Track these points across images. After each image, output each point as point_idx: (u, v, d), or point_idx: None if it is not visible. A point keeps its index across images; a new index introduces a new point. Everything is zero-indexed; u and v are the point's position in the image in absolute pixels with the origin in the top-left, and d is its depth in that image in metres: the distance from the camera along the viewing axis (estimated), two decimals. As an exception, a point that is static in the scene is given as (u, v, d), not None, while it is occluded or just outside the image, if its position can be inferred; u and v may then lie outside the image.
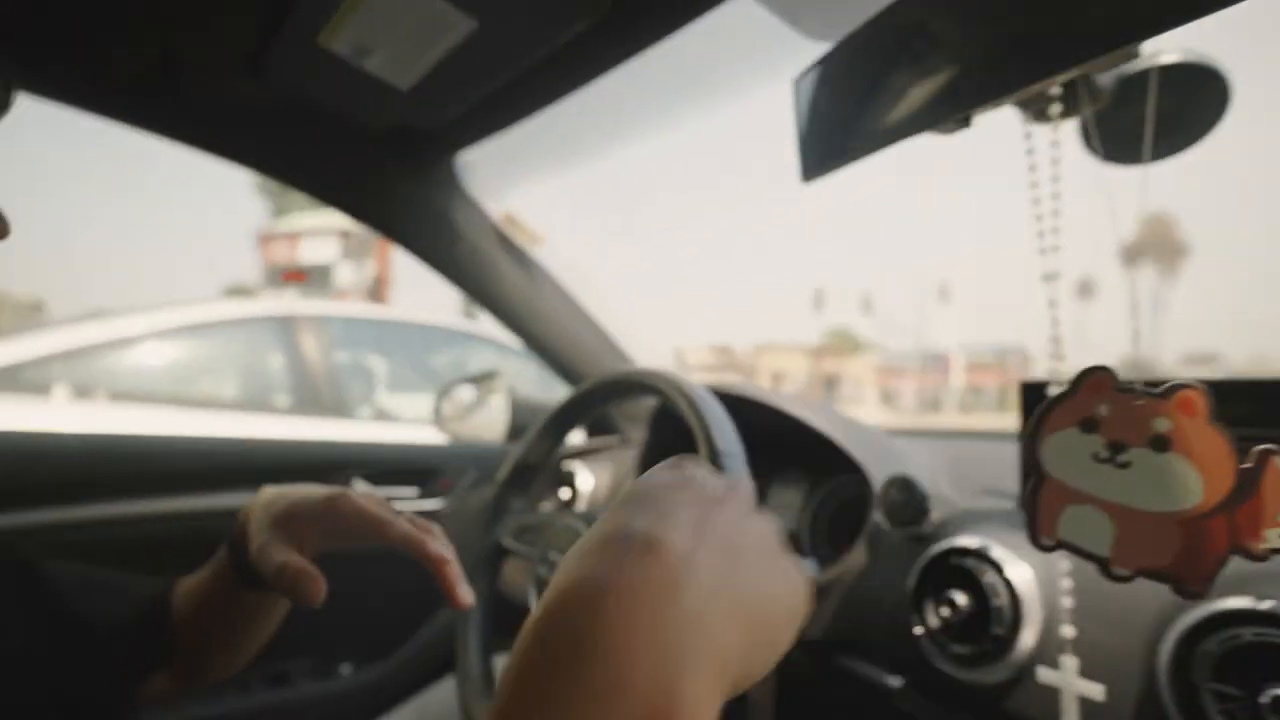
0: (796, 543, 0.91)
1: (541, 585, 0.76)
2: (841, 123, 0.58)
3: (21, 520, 0.87)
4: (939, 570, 0.67)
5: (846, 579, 0.76)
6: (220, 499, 0.99)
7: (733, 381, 0.95)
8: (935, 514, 0.73)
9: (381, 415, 3.04)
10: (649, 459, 1.02)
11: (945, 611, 0.66)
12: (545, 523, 0.83)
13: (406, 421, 2.99)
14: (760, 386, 0.95)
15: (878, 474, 0.78)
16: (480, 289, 1.00)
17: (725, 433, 0.62)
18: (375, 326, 3.23)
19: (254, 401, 2.76)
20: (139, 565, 0.56)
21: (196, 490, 0.99)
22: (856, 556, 0.77)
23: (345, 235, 13.55)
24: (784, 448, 0.91)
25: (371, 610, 1.12)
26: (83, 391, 2.18)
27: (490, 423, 1.41)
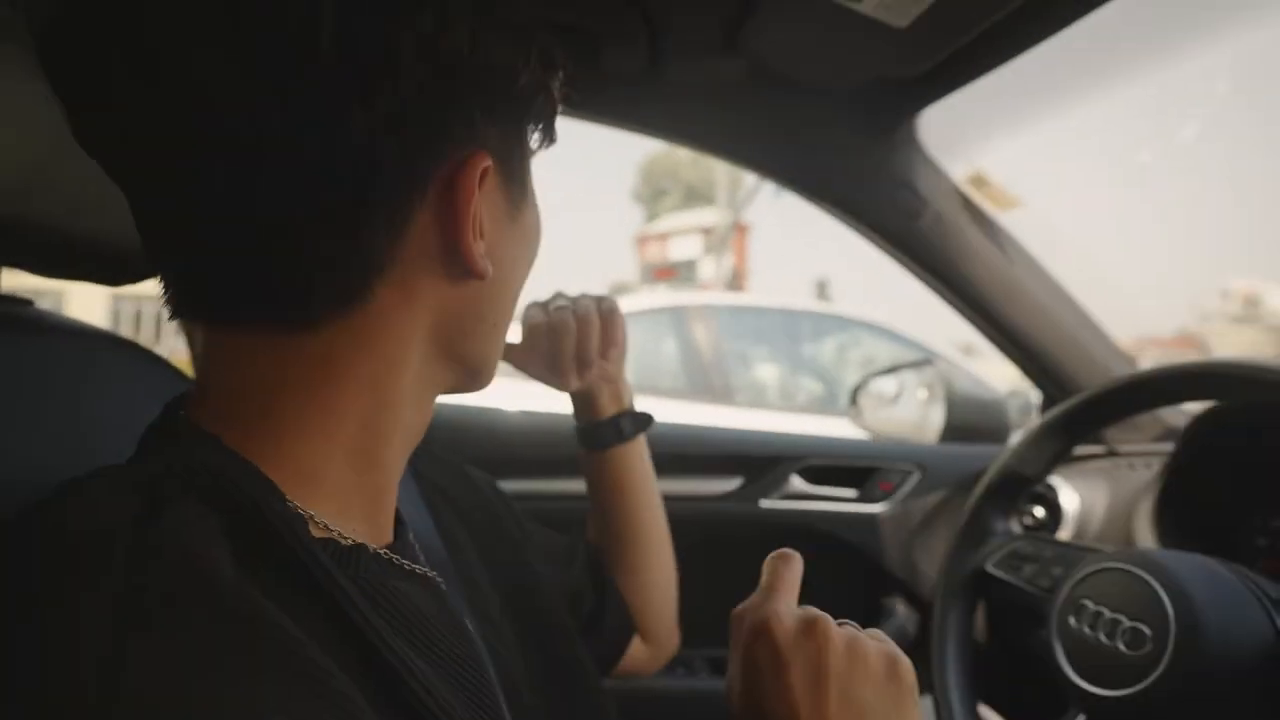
0: None
1: (1065, 634, 0.60)
2: None
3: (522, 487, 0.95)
4: None
5: None
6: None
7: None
8: None
9: (759, 402, 3.09)
10: (1175, 479, 0.78)
11: None
12: (1062, 558, 0.67)
13: (783, 409, 2.98)
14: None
15: None
16: (942, 269, 0.86)
17: None
18: (755, 314, 3.29)
19: (643, 386, 2.99)
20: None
21: None
22: None
23: (707, 232, 14.40)
24: None
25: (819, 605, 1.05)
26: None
27: (918, 420, 1.26)
